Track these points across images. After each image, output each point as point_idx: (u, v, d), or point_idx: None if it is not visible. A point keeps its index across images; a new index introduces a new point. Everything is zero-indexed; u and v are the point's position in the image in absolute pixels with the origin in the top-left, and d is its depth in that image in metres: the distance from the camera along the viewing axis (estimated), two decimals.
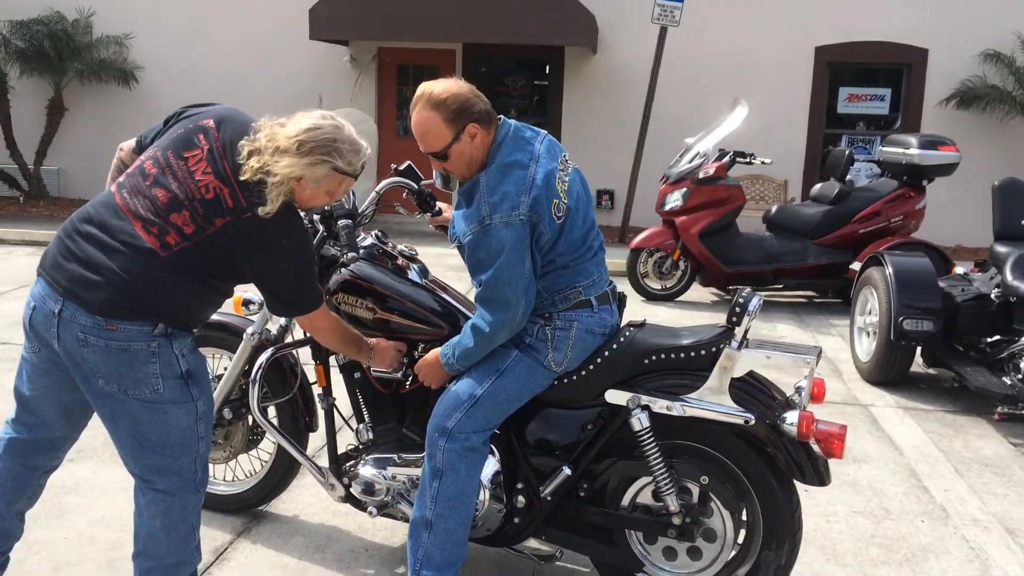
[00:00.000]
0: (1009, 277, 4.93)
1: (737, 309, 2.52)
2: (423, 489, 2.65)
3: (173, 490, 2.45)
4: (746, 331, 2.53)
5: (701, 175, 7.57)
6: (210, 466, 3.43)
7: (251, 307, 3.13)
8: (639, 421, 2.60)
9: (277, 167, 2.28)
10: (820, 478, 2.58)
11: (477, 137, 2.52)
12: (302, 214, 2.50)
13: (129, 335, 2.28)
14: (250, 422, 3.30)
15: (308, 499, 3.60)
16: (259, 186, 2.30)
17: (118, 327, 2.26)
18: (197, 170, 2.33)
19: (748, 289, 2.61)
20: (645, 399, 2.60)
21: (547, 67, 12.23)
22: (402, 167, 3.20)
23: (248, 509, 3.46)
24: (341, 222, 2.89)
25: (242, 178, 2.30)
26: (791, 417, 2.50)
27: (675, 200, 7.64)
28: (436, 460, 2.62)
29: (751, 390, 2.60)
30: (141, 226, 2.30)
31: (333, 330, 2.67)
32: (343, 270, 2.93)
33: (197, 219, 2.30)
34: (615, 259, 8.48)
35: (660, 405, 2.59)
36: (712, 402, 2.56)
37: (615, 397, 2.63)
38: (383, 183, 3.15)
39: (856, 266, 6.05)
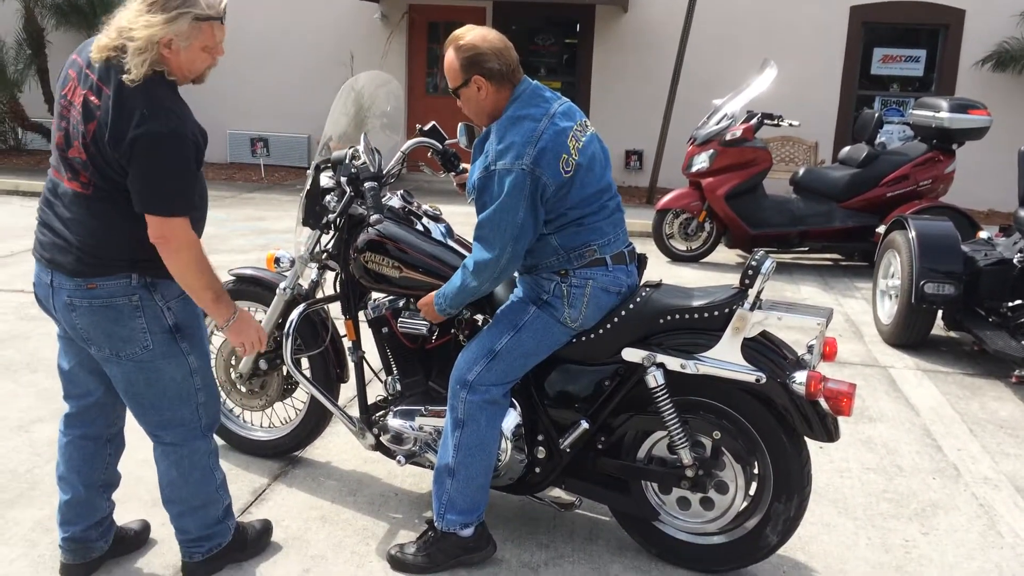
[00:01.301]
0: None
1: (750, 271, 2.62)
2: (446, 438, 2.79)
3: (179, 441, 2.59)
4: (759, 292, 2.62)
5: (728, 137, 7.59)
6: (248, 413, 3.64)
7: (283, 263, 3.28)
8: (654, 378, 2.71)
9: (136, 32, 2.22)
10: (828, 434, 2.68)
11: (483, 91, 2.65)
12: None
13: (109, 291, 2.36)
14: (284, 373, 3.46)
15: (340, 446, 3.77)
16: (120, 66, 2.24)
17: (97, 284, 2.35)
18: (74, 99, 2.32)
19: (762, 251, 2.69)
20: (660, 357, 2.71)
21: (577, 25, 12.18)
22: (427, 127, 3.30)
23: (284, 454, 3.63)
24: (367, 183, 2.98)
25: (97, 57, 2.27)
26: (800, 376, 2.60)
27: (702, 162, 7.67)
28: (457, 411, 2.75)
29: (763, 349, 2.70)
30: (62, 176, 2.37)
31: (188, 251, 2.34)
32: (370, 229, 3.05)
33: (85, 140, 2.28)
34: (642, 219, 8.59)
35: (675, 363, 2.70)
36: (725, 361, 2.66)
37: (631, 355, 2.74)
38: (408, 143, 3.25)
39: (881, 229, 6.08)
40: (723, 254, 8.28)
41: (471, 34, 2.66)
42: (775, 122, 7.82)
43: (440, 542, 2.84)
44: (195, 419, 2.59)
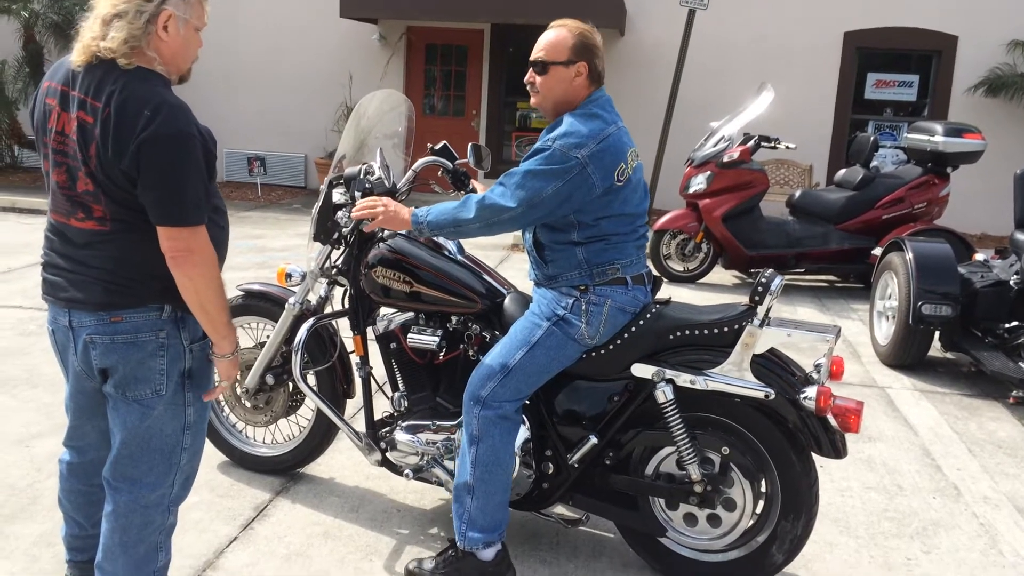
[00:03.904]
0: None
1: (760, 288, 2.64)
2: (462, 456, 2.79)
3: (137, 505, 2.27)
4: (768, 310, 2.65)
5: (725, 159, 7.64)
6: (251, 429, 3.63)
7: (293, 278, 3.29)
8: (664, 394, 2.73)
9: (125, 6, 2.06)
10: (837, 451, 2.70)
11: (579, 78, 2.69)
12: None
13: (136, 324, 2.16)
14: (290, 388, 3.46)
15: (343, 462, 3.76)
16: (110, 65, 2.07)
17: (123, 317, 2.15)
18: (66, 128, 2.11)
19: (771, 270, 2.72)
20: (670, 373, 2.73)
21: None
22: (438, 146, 3.33)
23: (286, 471, 3.63)
24: None
25: (81, 60, 2.09)
26: (810, 392, 2.62)
27: (699, 183, 7.73)
28: (472, 427, 2.76)
29: (772, 366, 2.72)
30: (68, 218, 2.15)
31: (212, 266, 2.17)
32: (381, 245, 3.07)
33: (89, 167, 2.08)
34: None
35: (684, 379, 2.72)
36: (734, 377, 2.68)
37: (641, 371, 2.76)
38: (419, 162, 3.28)
39: (878, 251, 6.13)
40: (720, 275, 8.32)
41: (585, 26, 2.73)
42: (772, 144, 7.89)
43: (460, 562, 2.81)
44: (167, 483, 2.30)
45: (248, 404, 3.49)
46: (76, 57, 2.11)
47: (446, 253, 3.11)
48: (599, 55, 2.73)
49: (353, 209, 2.89)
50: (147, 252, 2.12)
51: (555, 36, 2.70)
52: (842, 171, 8.38)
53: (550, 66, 2.70)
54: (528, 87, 2.78)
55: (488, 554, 2.80)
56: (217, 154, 2.22)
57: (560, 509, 3.14)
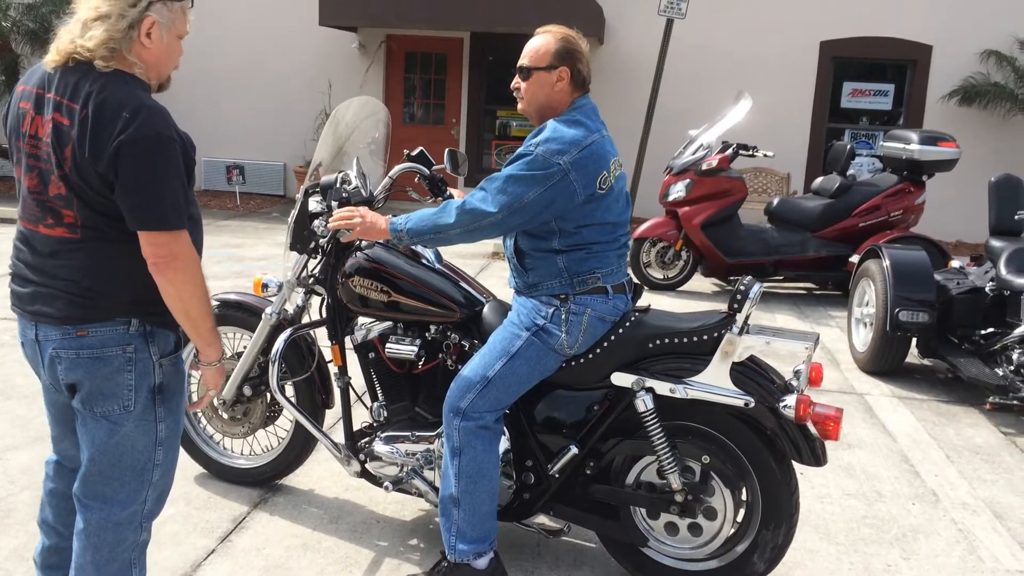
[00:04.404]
0: (1003, 271, 5.06)
1: (738, 296, 2.65)
2: (446, 469, 2.77)
3: (108, 523, 2.20)
4: (747, 317, 2.65)
5: (704, 167, 7.68)
6: (228, 441, 3.59)
7: (270, 288, 3.26)
8: (643, 403, 2.72)
9: (108, 8, 2.03)
10: (816, 458, 2.70)
11: (561, 83, 2.70)
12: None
13: (102, 339, 2.10)
14: (268, 399, 3.43)
15: (321, 473, 3.73)
16: (88, 66, 2.03)
17: (89, 331, 2.09)
18: (40, 131, 2.06)
19: (749, 277, 2.73)
20: (649, 382, 2.72)
21: None
22: (414, 153, 3.32)
23: (265, 483, 3.59)
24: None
25: (56, 61, 2.05)
26: (789, 400, 2.63)
27: (678, 191, 7.76)
28: (453, 439, 2.74)
29: (751, 374, 2.72)
30: (37, 225, 2.10)
31: (196, 271, 2.12)
32: (358, 254, 3.05)
33: (63, 170, 2.02)
34: None
35: (664, 387, 2.71)
36: (714, 385, 2.68)
37: (621, 379, 2.75)
38: (396, 168, 3.26)
39: (855, 259, 6.17)
40: (699, 283, 8.35)
41: (570, 32, 2.75)
42: (750, 152, 7.94)
43: (454, 572, 2.79)
44: (138, 500, 2.23)
45: (225, 415, 3.45)
46: (51, 58, 2.06)
47: (424, 262, 3.09)
48: (583, 60, 2.73)
49: (330, 219, 2.87)
50: (116, 263, 2.08)
51: (539, 42, 2.72)
52: (819, 179, 8.44)
53: (533, 71, 2.71)
54: (514, 92, 2.78)
55: (482, 563, 2.78)
56: (196, 161, 2.18)
57: (541, 519, 3.12)
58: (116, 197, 2.01)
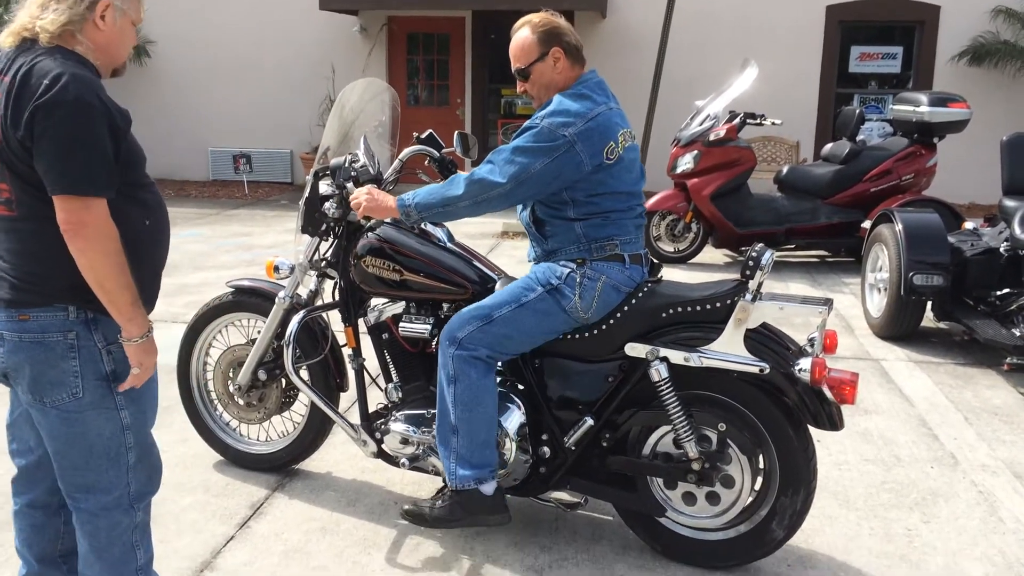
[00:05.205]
0: (1018, 231, 5.00)
1: (750, 263, 2.63)
2: (441, 398, 2.80)
3: (98, 510, 2.19)
4: (760, 284, 2.63)
5: (712, 137, 7.62)
6: (245, 427, 3.60)
7: (281, 271, 3.26)
8: (658, 372, 2.72)
9: None
10: (833, 423, 2.69)
11: (560, 62, 2.73)
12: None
13: (42, 324, 2.06)
14: (283, 384, 3.44)
15: (338, 457, 3.74)
16: (33, 45, 2.02)
17: (30, 316, 2.05)
18: None
19: (761, 244, 2.71)
20: (663, 351, 2.71)
21: None
22: (424, 135, 3.31)
23: (282, 468, 3.60)
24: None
25: (8, 42, 2.04)
26: (804, 364, 2.62)
27: (686, 163, 7.71)
28: (448, 368, 2.77)
29: (766, 340, 2.71)
30: None
31: (109, 242, 2.01)
32: (370, 234, 3.05)
33: None
34: None
35: (678, 356, 2.70)
36: (728, 353, 2.67)
37: (635, 350, 2.75)
38: (406, 151, 3.25)
39: (867, 224, 6.12)
40: (710, 254, 8.31)
41: (540, 15, 2.77)
42: (758, 121, 7.87)
43: (459, 496, 2.80)
44: (121, 484, 2.20)
45: (241, 401, 3.46)
46: (4, 39, 2.06)
47: (435, 241, 3.08)
48: (567, 33, 2.77)
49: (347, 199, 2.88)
50: (51, 245, 2.01)
51: (521, 40, 2.77)
52: (829, 145, 8.37)
53: (530, 68, 2.76)
54: (522, 95, 2.84)
55: (488, 489, 2.79)
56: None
57: (558, 493, 3.13)
58: (35, 163, 1.96)
